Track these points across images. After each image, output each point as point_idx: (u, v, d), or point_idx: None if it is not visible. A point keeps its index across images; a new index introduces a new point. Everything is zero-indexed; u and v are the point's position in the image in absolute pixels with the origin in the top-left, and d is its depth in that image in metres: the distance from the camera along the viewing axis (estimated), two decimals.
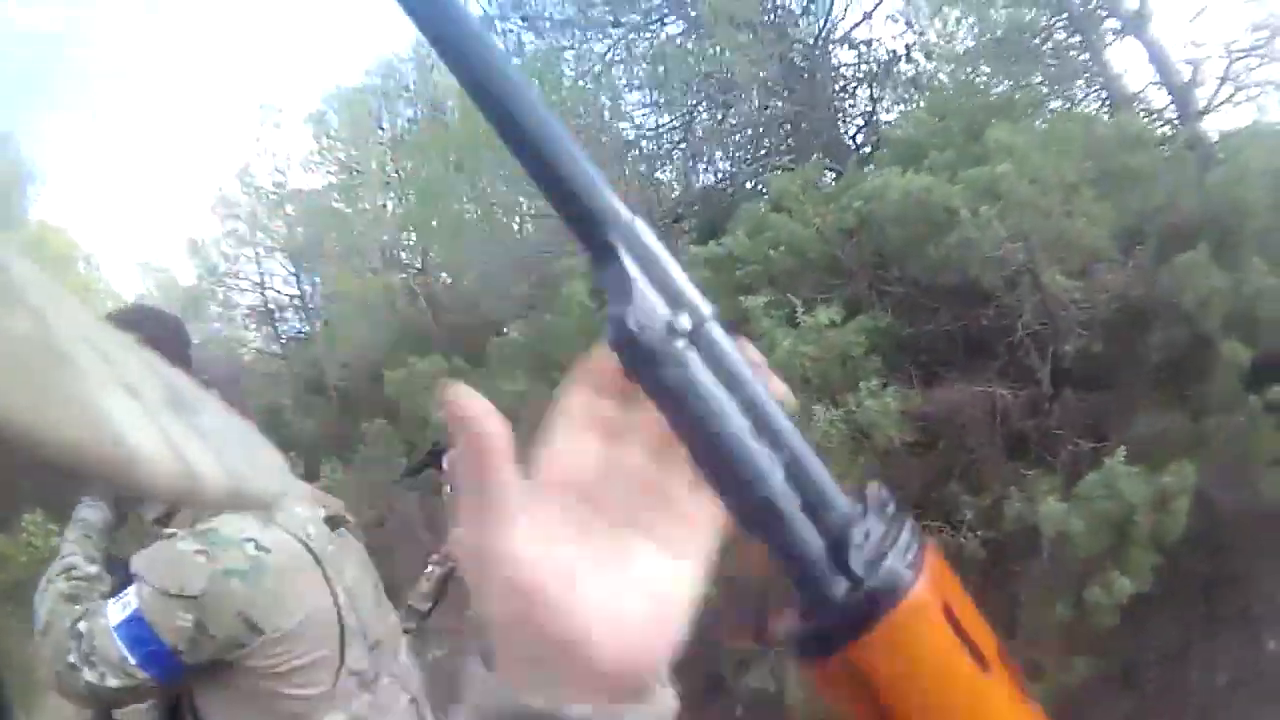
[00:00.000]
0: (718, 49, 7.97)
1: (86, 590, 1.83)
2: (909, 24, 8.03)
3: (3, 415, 0.30)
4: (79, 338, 0.38)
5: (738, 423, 0.46)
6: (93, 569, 1.89)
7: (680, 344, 0.45)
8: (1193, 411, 4.12)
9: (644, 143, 8.67)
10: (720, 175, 8.45)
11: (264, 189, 14.01)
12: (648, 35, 8.46)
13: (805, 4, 8.29)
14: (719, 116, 8.40)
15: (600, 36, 8.53)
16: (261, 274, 15.01)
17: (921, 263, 4.50)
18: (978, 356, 4.53)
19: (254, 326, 15.96)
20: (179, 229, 21.04)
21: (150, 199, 43.42)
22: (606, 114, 8.46)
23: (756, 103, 8.16)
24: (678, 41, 8.27)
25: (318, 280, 14.49)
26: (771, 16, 8.19)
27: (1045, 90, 6.96)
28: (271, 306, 15.31)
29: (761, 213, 5.36)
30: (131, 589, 1.75)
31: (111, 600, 1.77)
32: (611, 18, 8.31)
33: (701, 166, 8.61)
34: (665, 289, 0.46)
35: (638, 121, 8.67)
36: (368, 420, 9.40)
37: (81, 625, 1.74)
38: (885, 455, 4.28)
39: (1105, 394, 4.34)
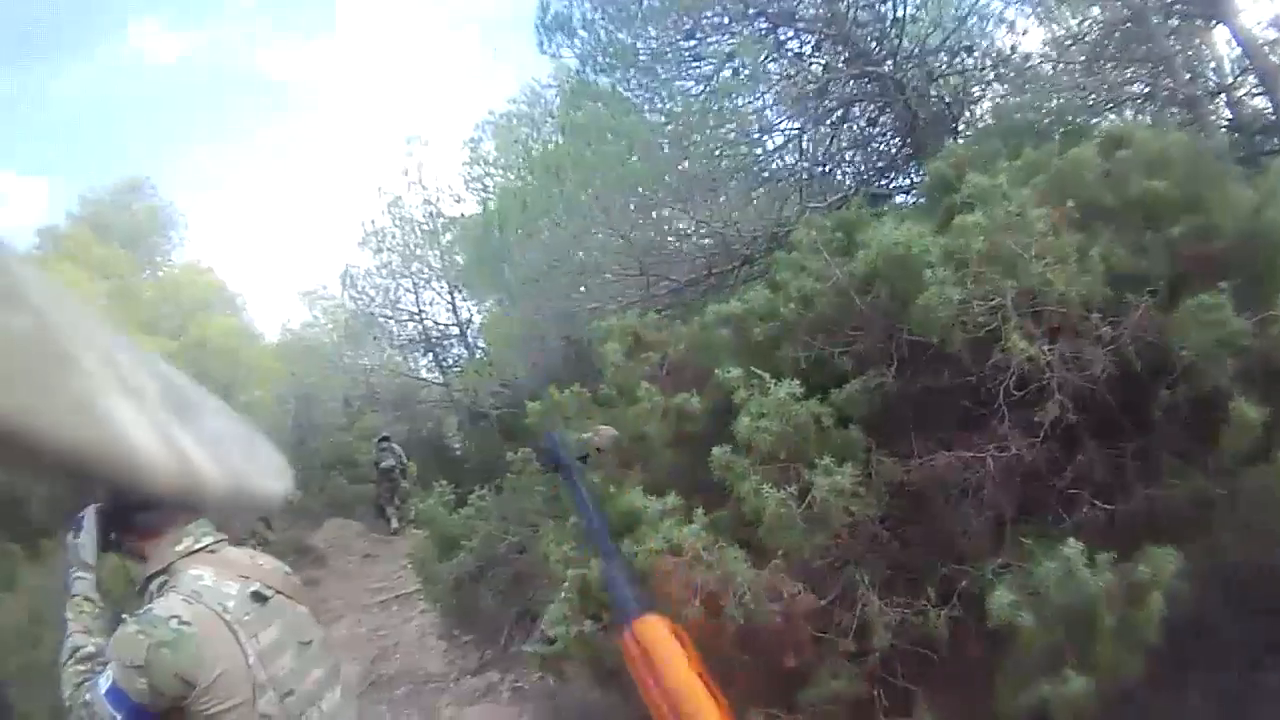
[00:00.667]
0: (817, 68, 7.67)
1: (88, 671, 2.36)
2: (1010, 27, 7.54)
3: (3, 414, 0.31)
4: (81, 339, 0.39)
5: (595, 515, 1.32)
6: (92, 647, 2.42)
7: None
8: (1208, 475, 3.66)
9: (761, 163, 8.36)
10: (834, 199, 8.02)
11: (416, 220, 14.36)
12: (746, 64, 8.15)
13: (897, 14, 7.77)
14: (828, 139, 8.04)
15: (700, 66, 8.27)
16: (419, 304, 15.43)
17: (910, 321, 4.15)
18: (975, 420, 4.15)
19: (420, 353, 16.46)
20: (331, 263, 22.14)
21: (301, 236, 45.40)
22: (720, 140, 8.20)
23: (863, 121, 7.82)
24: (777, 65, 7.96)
25: (474, 308, 14.77)
26: (871, 30, 7.82)
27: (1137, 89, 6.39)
28: (433, 335, 15.73)
29: (793, 261, 5.05)
30: (110, 664, 2.30)
31: (101, 674, 2.30)
32: (694, 52, 8.06)
33: (805, 194, 8.17)
34: None
35: (744, 150, 8.33)
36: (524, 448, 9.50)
37: (87, 696, 2.29)
38: (853, 530, 4.00)
39: (1109, 459, 3.91)
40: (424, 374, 16.63)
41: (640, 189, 7.64)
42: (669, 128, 7.83)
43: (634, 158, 7.58)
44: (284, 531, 13.60)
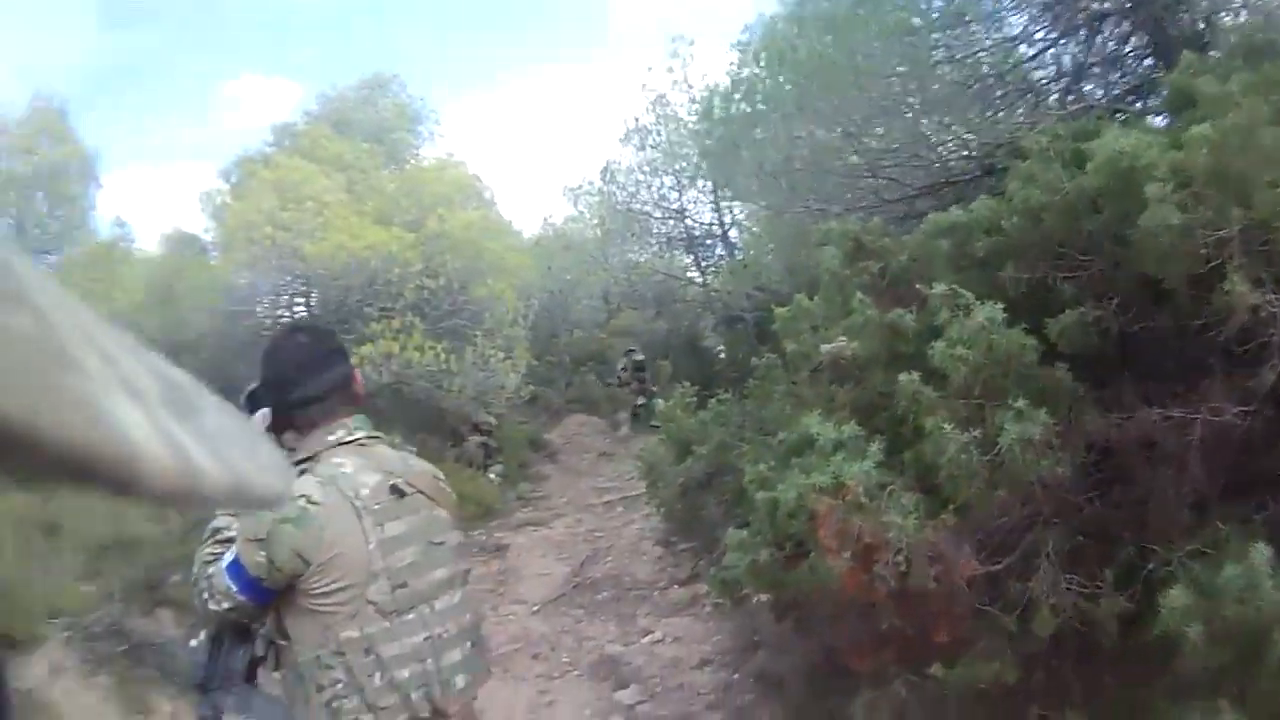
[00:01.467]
0: None
1: (222, 551, 2.52)
2: None
3: (4, 414, 0.31)
4: (81, 337, 0.39)
5: None
6: (232, 530, 2.56)
7: None
8: None
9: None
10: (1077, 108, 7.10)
11: (681, 119, 14.13)
12: None
13: None
14: (1082, 52, 7.12)
15: None
16: (682, 202, 15.28)
17: (1130, 248, 3.49)
18: (1193, 375, 3.46)
19: (682, 252, 16.36)
20: (595, 160, 22.23)
21: (568, 131, 45.54)
22: (970, 44, 7.42)
23: (1113, 40, 6.88)
24: None
25: (735, 209, 14.48)
26: None
27: None
28: (695, 234, 15.59)
29: (1023, 170, 4.43)
30: (235, 542, 2.47)
31: (226, 552, 2.48)
32: None
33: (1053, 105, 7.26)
34: None
35: (996, 57, 7.49)
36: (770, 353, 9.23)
37: (210, 570, 2.49)
38: (1042, 489, 3.42)
39: None
40: (684, 273, 16.61)
41: (875, 90, 7.03)
42: (918, 24, 7.15)
43: (872, 55, 6.99)
44: (521, 425, 13.92)
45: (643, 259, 16.60)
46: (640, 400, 14.90)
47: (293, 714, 2.49)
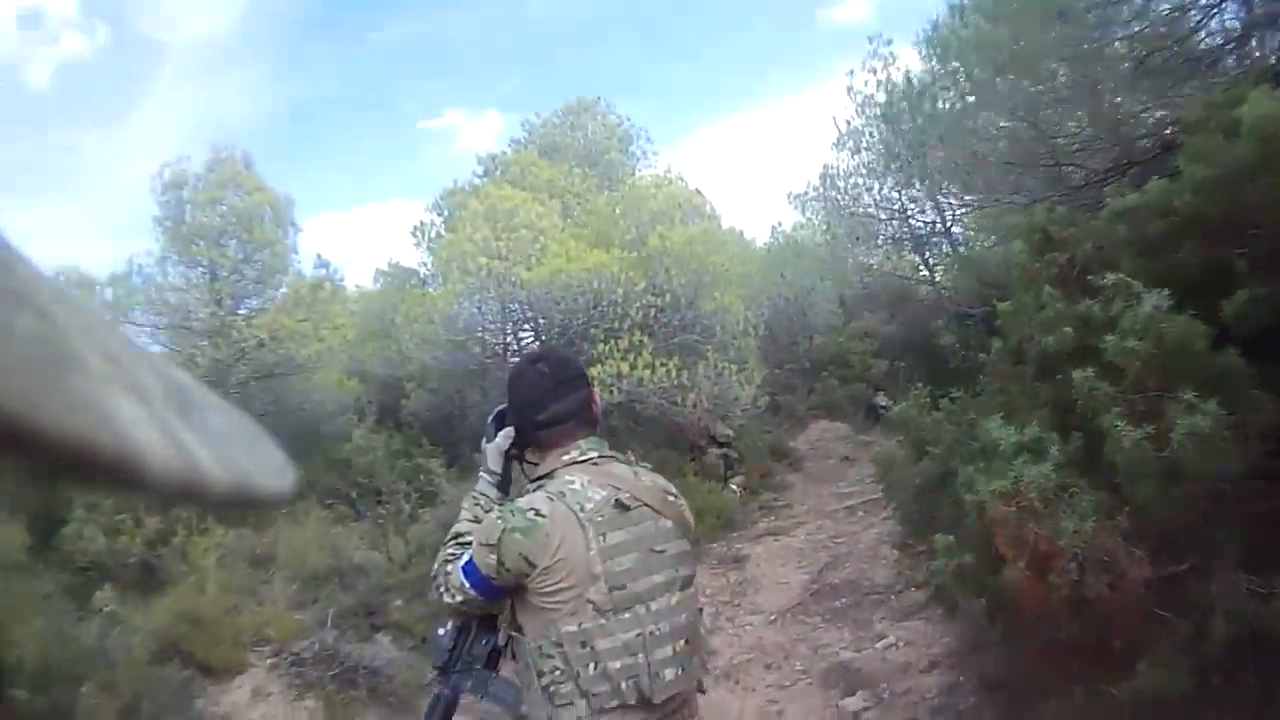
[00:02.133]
0: None
1: (460, 552, 2.81)
2: None
3: (8, 413, 0.31)
4: (85, 337, 0.40)
5: None
6: (471, 536, 2.82)
7: None
8: None
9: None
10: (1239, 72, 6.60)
11: (892, 117, 13.83)
12: None
13: None
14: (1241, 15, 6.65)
15: None
16: (903, 202, 14.95)
17: None
18: None
19: (909, 252, 16.00)
20: (816, 166, 21.97)
21: (786, 139, 44.48)
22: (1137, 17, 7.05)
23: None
24: None
25: (955, 206, 14.05)
26: None
27: None
28: (919, 233, 15.23)
29: (1190, 146, 4.23)
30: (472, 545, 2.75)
31: (464, 552, 2.76)
32: None
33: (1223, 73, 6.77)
34: None
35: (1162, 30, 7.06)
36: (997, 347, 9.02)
37: (449, 568, 2.79)
38: (1219, 484, 3.28)
39: None
40: (915, 273, 16.25)
41: (1048, 74, 6.79)
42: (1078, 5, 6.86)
43: (1038, 39, 6.74)
44: (764, 434, 13.86)
45: (873, 261, 16.37)
46: (880, 400, 14.72)
47: (522, 697, 2.77)
